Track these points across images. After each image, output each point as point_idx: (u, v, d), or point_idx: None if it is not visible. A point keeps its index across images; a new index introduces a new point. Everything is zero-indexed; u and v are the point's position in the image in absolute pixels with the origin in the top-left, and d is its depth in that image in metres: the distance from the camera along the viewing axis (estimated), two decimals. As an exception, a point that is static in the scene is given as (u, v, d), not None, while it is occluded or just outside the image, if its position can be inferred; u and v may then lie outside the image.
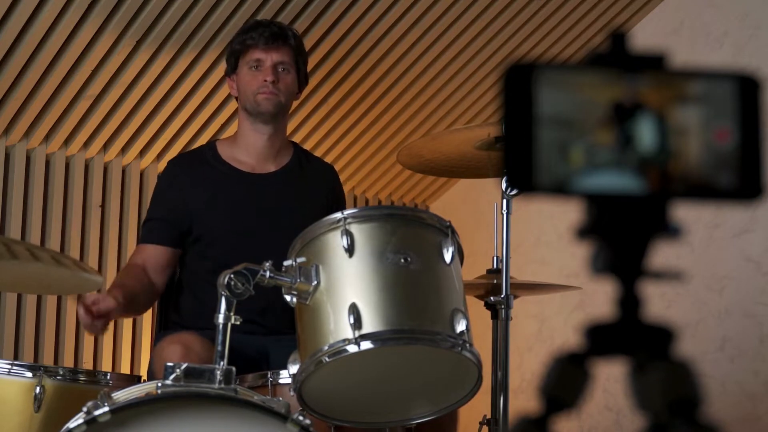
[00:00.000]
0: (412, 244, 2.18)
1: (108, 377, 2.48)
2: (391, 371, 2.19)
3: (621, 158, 0.84)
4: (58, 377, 2.37)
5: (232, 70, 2.94)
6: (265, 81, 2.84)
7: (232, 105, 3.64)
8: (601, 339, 0.87)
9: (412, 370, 2.19)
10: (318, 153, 3.86)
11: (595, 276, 0.87)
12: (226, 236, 2.86)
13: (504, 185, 2.57)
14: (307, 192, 2.96)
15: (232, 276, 2.09)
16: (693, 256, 3.69)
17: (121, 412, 1.88)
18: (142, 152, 3.83)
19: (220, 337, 2.07)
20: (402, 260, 2.14)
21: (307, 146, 3.86)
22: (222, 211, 2.88)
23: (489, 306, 2.76)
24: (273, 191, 2.92)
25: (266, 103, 2.86)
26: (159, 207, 2.94)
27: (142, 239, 2.96)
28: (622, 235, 0.86)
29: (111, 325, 3.74)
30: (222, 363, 2.02)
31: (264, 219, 2.88)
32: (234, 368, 1.99)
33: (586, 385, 0.87)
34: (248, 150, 2.95)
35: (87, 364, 3.63)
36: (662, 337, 0.87)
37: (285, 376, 2.41)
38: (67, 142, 3.65)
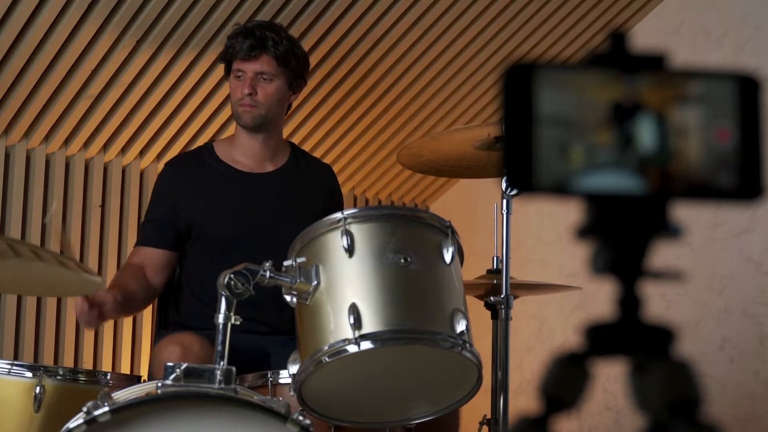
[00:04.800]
0: (412, 244, 2.17)
1: (108, 377, 2.48)
2: (391, 371, 2.19)
3: (621, 158, 0.84)
4: (58, 377, 2.37)
5: (226, 73, 2.96)
6: (243, 93, 2.86)
7: (232, 105, 3.64)
8: (601, 339, 0.87)
9: (413, 370, 2.19)
10: (318, 153, 3.86)
11: (595, 276, 0.87)
12: (224, 236, 2.86)
13: (504, 185, 2.56)
14: (304, 191, 2.97)
15: (232, 276, 2.09)
16: (693, 256, 3.69)
17: (121, 412, 1.88)
18: (142, 152, 3.83)
19: (220, 337, 2.07)
20: (402, 260, 2.14)
21: (307, 146, 3.86)
22: (220, 211, 2.89)
23: (489, 306, 2.76)
24: (270, 191, 2.93)
25: (246, 116, 2.88)
26: (157, 208, 2.94)
27: (139, 241, 2.96)
28: (622, 235, 0.86)
29: (111, 325, 3.73)
30: (222, 363, 2.02)
31: (262, 218, 2.88)
32: (234, 368, 1.99)
33: (586, 385, 0.87)
34: (245, 151, 2.95)
35: (87, 364, 3.63)
36: (662, 337, 0.86)
37: (285, 376, 2.41)
38: (67, 142, 3.65)
